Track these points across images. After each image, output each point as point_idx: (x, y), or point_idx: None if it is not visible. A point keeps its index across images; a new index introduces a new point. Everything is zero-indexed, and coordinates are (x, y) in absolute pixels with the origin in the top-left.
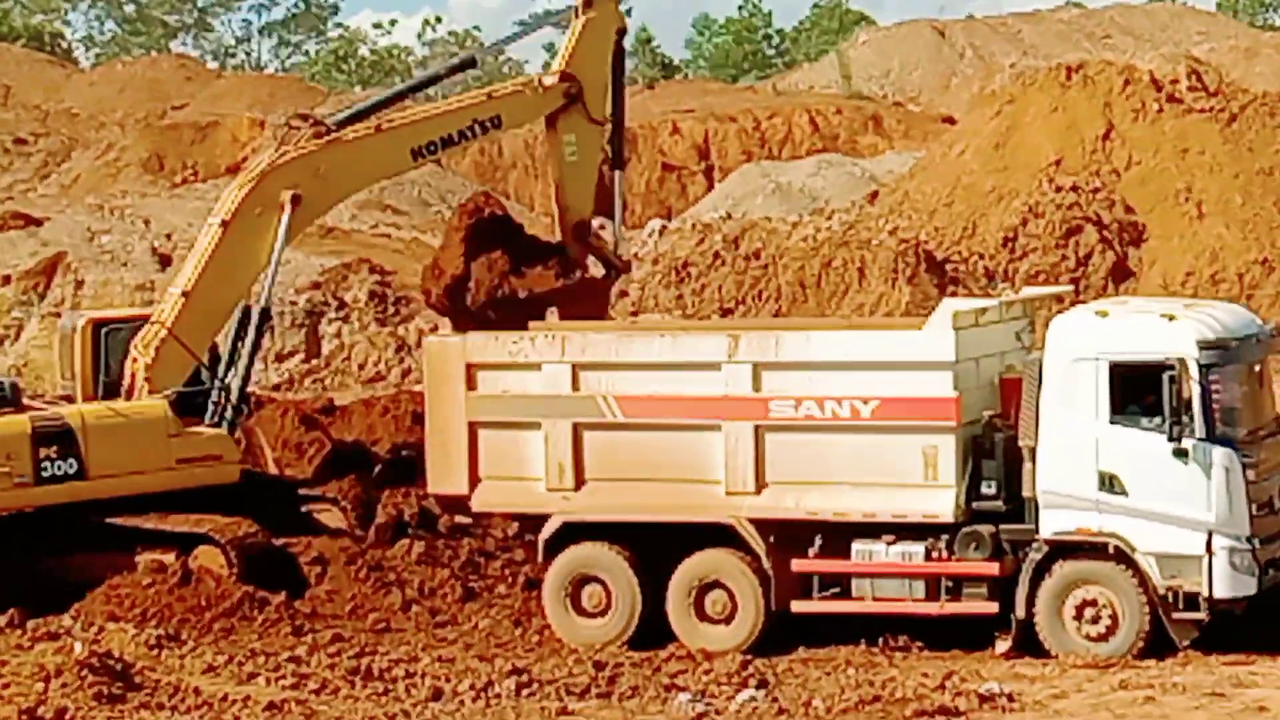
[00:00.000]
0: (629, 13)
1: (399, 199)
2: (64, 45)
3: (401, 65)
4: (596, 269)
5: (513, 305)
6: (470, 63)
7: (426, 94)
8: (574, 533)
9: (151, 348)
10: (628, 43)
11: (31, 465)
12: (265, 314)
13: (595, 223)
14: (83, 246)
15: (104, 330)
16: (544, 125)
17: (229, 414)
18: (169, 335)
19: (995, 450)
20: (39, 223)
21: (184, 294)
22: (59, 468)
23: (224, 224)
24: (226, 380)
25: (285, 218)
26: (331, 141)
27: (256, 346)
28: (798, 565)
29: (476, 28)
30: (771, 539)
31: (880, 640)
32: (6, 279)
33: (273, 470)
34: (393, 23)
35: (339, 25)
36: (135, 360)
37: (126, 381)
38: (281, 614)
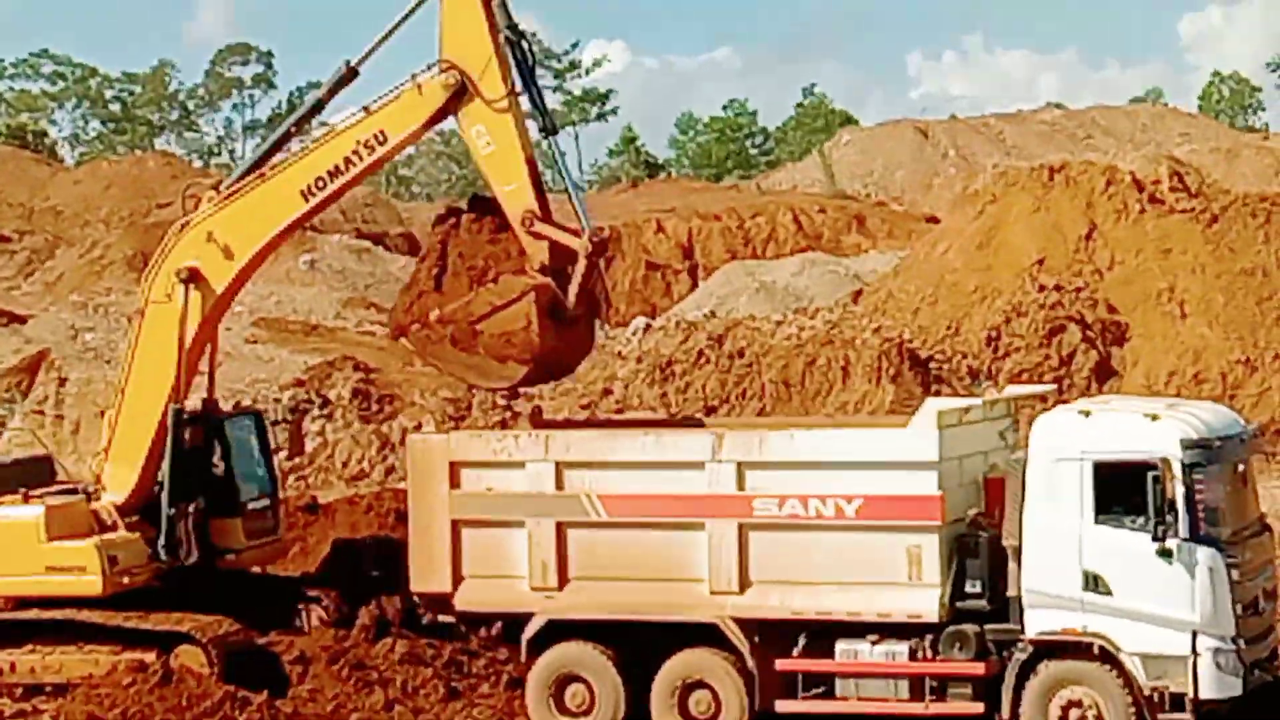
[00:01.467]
0: (615, 115)
1: (382, 296)
2: (48, 143)
3: (389, 163)
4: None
5: (427, 330)
6: (350, 75)
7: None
8: (558, 632)
9: (104, 447)
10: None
11: None
12: (178, 413)
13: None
14: (66, 344)
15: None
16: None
17: (164, 516)
18: (113, 434)
19: (980, 549)
20: (23, 320)
21: (121, 390)
22: None
23: (140, 313)
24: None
25: (182, 296)
26: (220, 203)
27: (176, 445)
28: (782, 665)
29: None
30: (756, 638)
31: None
32: None
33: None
34: None
35: (322, 124)
36: (98, 457)
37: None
38: (263, 713)
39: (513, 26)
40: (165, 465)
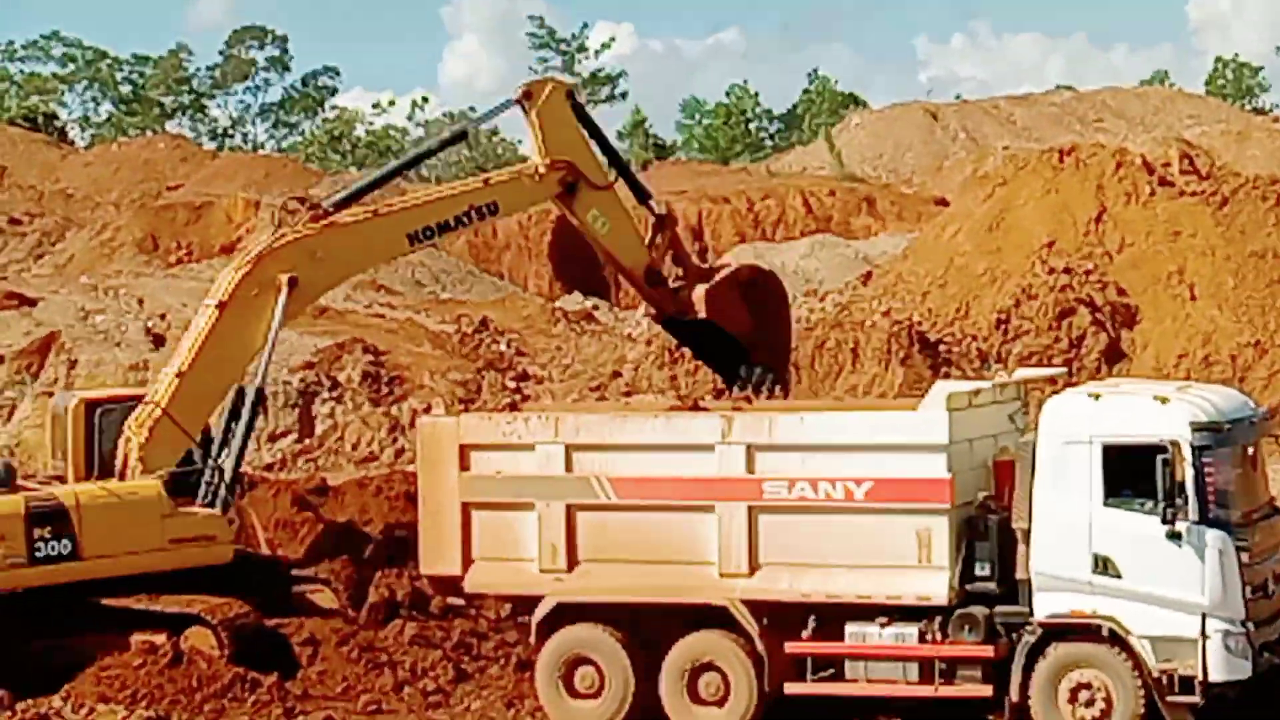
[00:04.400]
0: (624, 99)
1: (393, 279)
2: (59, 126)
3: (397, 145)
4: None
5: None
6: (461, 135)
7: (419, 171)
8: (567, 614)
9: (145, 428)
10: (623, 122)
11: (26, 546)
12: (260, 395)
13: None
14: (76, 326)
15: (97, 410)
16: (555, 206)
17: (222, 494)
18: (163, 415)
19: (989, 532)
20: (33, 303)
21: (179, 375)
22: (53, 548)
23: (220, 306)
24: (219, 461)
25: (281, 300)
26: (328, 225)
27: (250, 427)
28: (791, 647)
29: (472, 108)
30: (765, 621)
31: None
32: (0, 359)
33: (265, 550)
34: (391, 103)
35: (334, 107)
36: (129, 440)
37: (119, 461)
38: (273, 695)
39: (589, 119)
40: (236, 445)
